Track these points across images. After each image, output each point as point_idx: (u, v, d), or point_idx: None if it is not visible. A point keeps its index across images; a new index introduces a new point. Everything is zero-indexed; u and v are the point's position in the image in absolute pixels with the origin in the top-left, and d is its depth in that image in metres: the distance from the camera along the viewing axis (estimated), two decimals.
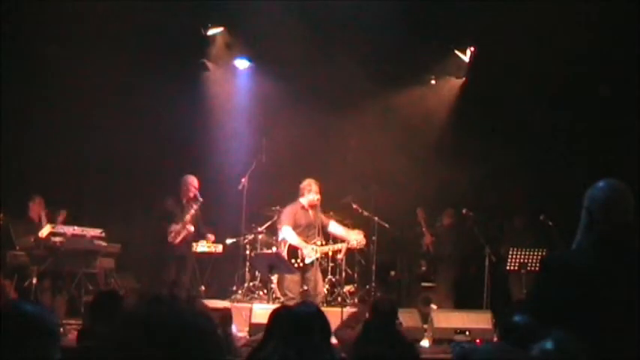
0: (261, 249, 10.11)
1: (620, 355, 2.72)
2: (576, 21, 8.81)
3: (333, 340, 3.97)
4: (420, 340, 8.34)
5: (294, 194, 9.32)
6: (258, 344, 3.72)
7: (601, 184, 3.02)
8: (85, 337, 4.14)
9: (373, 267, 10.16)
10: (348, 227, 10.40)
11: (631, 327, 2.74)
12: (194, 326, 1.44)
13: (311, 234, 9.19)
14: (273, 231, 10.41)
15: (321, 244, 10.11)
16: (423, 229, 10.58)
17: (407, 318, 8.21)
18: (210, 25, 10.61)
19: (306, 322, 3.53)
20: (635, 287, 2.81)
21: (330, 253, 10.24)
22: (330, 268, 10.19)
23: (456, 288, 10.41)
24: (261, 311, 8.49)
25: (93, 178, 10.70)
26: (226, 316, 5.97)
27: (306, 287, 9.16)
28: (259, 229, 10.22)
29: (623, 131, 9.87)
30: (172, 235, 9.22)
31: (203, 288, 9.91)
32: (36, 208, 9.19)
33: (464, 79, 11.34)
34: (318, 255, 9.17)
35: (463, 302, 10.15)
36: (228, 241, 10.14)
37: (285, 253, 8.97)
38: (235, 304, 9.27)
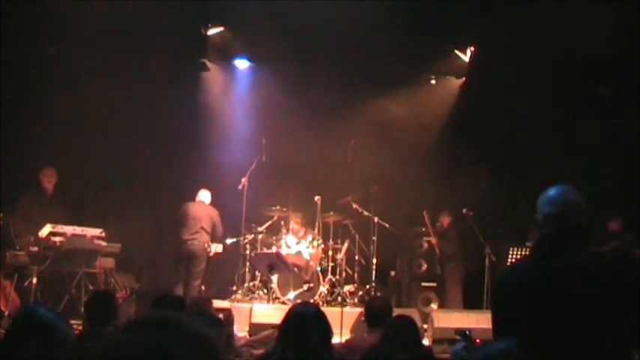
0: (261, 249, 10.11)
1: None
2: (576, 20, 8.80)
3: (335, 340, 3.95)
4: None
5: (294, 194, 9.34)
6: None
7: (551, 191, 2.96)
8: (83, 338, 4.13)
9: (373, 267, 10.16)
10: (348, 227, 10.43)
11: (572, 336, 2.66)
12: (203, 337, 1.44)
13: None
14: (273, 231, 10.42)
15: (319, 245, 10.16)
16: (430, 231, 10.51)
17: None
18: (210, 25, 10.61)
19: (306, 323, 3.53)
20: (574, 293, 2.70)
21: (330, 253, 10.27)
22: (330, 268, 10.19)
23: (464, 288, 10.33)
24: (261, 311, 8.50)
25: (93, 178, 10.70)
26: (228, 317, 5.98)
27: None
28: (259, 229, 10.23)
29: (624, 130, 9.86)
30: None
31: (203, 288, 9.92)
32: (46, 180, 9.37)
33: (464, 79, 11.34)
34: None
35: (463, 302, 10.14)
36: (228, 241, 10.14)
37: None
38: (235, 304, 9.28)
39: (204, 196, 10.05)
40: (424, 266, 10.66)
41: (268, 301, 9.25)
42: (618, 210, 9.53)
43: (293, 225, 10.26)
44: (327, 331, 3.57)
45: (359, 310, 8.62)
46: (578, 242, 2.83)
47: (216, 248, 9.90)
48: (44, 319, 2.39)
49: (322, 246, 10.22)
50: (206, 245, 9.74)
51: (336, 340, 4.88)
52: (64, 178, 9.77)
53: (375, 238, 10.15)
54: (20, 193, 9.27)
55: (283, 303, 9.20)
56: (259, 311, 8.50)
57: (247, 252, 10.15)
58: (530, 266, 2.90)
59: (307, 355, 3.39)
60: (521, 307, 2.74)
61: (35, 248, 8.62)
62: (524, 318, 2.71)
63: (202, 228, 9.77)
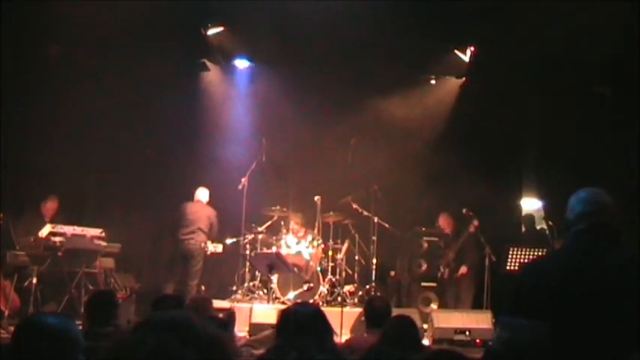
0: (261, 249, 10.12)
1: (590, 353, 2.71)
2: (576, 21, 8.80)
3: (334, 340, 3.95)
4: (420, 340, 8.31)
5: (294, 194, 9.33)
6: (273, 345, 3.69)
7: (583, 192, 3.04)
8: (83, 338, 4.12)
9: (373, 267, 10.16)
10: (348, 227, 10.42)
11: (596, 330, 2.71)
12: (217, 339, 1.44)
13: None
14: (273, 231, 10.42)
15: (319, 245, 10.16)
16: (451, 244, 10.37)
17: None
18: (210, 25, 10.61)
19: (308, 322, 3.52)
20: (603, 291, 2.77)
21: (330, 253, 10.27)
22: (330, 268, 10.19)
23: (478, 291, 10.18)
24: (261, 311, 8.51)
25: (93, 178, 10.70)
26: (229, 317, 5.98)
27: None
28: (259, 229, 10.23)
29: (625, 130, 9.86)
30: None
31: (203, 288, 9.93)
32: (49, 207, 9.45)
33: (464, 79, 11.34)
34: None
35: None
36: (228, 241, 10.15)
37: None
38: (235, 304, 9.28)
39: (202, 194, 10.05)
40: (424, 266, 10.63)
41: (268, 301, 9.25)
42: (618, 210, 9.51)
43: (293, 225, 10.26)
44: (330, 331, 3.57)
45: (359, 310, 8.61)
46: (611, 242, 2.92)
47: (216, 248, 9.91)
48: (51, 327, 2.35)
49: (322, 246, 10.23)
50: (203, 245, 9.75)
51: (335, 340, 4.87)
52: (63, 178, 9.80)
53: (375, 238, 10.15)
54: (24, 204, 9.40)
55: (283, 303, 9.19)
56: (259, 311, 8.50)
57: (247, 252, 10.15)
58: (563, 261, 2.94)
59: (308, 354, 3.39)
60: (552, 298, 2.78)
61: (35, 249, 8.62)
62: (553, 308, 2.75)
63: (199, 228, 9.78)
